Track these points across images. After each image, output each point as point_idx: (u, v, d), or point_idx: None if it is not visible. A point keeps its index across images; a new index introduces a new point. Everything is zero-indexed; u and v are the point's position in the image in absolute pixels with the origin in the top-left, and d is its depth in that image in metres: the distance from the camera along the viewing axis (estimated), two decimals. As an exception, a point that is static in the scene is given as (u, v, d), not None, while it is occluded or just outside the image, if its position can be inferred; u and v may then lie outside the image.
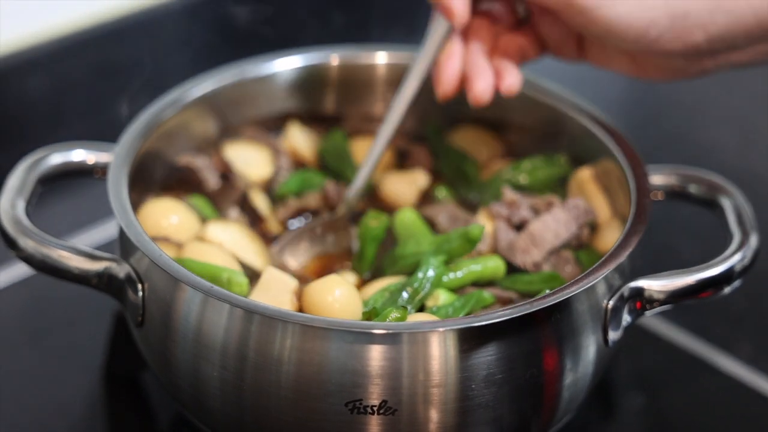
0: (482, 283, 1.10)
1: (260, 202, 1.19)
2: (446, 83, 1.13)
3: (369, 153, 1.17)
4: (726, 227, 1.08)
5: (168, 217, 1.13)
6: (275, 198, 1.22)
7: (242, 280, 1.05)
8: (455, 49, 1.14)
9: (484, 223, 1.15)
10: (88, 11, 1.62)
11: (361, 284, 1.13)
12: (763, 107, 1.73)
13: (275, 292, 1.04)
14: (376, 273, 1.14)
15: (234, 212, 1.18)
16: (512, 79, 1.13)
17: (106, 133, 1.23)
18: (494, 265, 1.10)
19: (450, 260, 1.10)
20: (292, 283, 1.05)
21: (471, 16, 1.14)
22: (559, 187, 1.21)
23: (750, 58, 1.11)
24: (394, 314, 1.00)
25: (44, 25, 1.60)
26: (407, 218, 1.16)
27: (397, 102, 1.16)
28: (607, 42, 1.10)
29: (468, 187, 1.23)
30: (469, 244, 1.10)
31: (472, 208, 1.22)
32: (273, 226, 1.19)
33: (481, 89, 1.11)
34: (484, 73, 1.12)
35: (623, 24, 1.06)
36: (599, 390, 1.17)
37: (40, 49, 1.58)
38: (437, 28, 1.13)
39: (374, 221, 1.15)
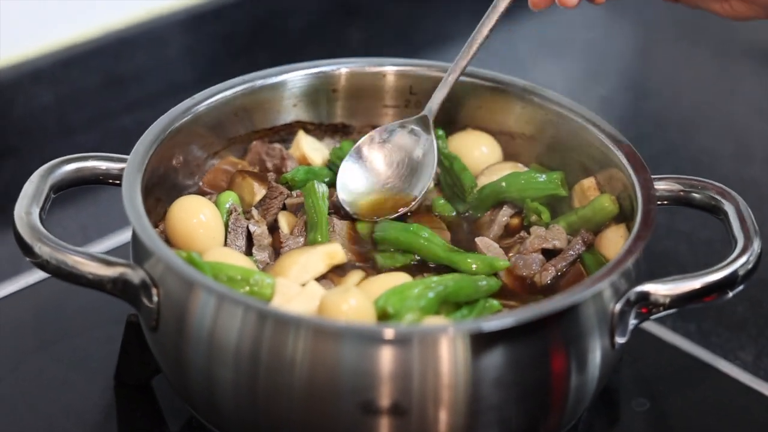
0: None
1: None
2: None
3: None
4: (730, 232, 1.09)
5: (197, 216, 1.14)
6: (279, 182, 1.22)
7: (270, 281, 1.06)
8: None
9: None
10: (94, 22, 1.64)
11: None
12: (758, 116, 1.75)
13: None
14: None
15: (256, 212, 1.18)
16: None
17: (113, 146, 1.23)
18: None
19: None
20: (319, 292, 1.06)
21: None
22: (554, 203, 1.21)
23: None
24: (410, 316, 1.01)
25: (50, 36, 1.61)
26: None
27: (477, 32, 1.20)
28: None
29: (463, 200, 1.24)
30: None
31: (465, 219, 1.22)
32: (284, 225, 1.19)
33: None
34: None
35: None
36: (603, 394, 1.19)
37: (46, 59, 1.59)
38: None
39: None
